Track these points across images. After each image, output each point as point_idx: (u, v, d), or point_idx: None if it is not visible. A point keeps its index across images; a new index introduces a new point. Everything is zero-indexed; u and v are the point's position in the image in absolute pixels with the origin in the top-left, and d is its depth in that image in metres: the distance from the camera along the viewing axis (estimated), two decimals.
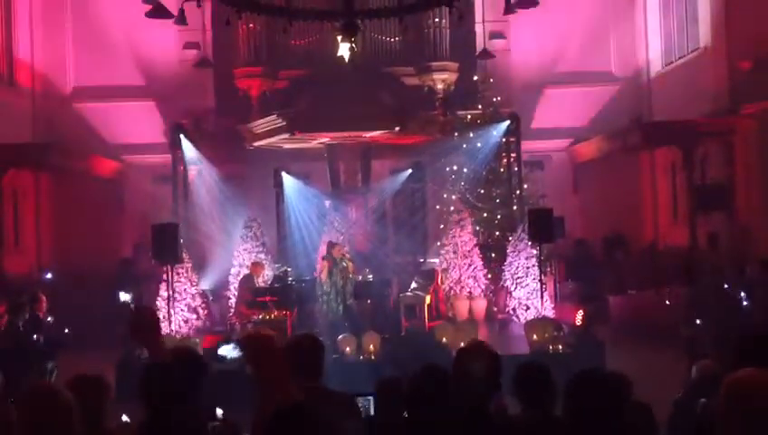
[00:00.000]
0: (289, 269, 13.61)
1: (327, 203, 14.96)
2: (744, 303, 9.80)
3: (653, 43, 18.42)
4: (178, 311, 12.38)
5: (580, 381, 3.09)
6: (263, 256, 13.96)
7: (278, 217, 14.78)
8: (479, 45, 17.10)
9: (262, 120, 15.58)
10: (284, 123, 14.90)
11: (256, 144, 15.79)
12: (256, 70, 16.23)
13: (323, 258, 12.40)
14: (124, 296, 12.53)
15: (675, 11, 17.64)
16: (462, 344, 9.66)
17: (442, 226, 14.95)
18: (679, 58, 17.29)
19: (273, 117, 15.20)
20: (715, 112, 14.88)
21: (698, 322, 9.34)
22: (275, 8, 9.14)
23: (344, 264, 12.22)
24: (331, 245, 12.67)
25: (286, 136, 15.14)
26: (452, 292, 13.85)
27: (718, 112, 14.82)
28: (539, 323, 11.11)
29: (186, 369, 3.47)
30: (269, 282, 13.00)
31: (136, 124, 17.33)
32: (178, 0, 10.12)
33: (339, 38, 8.73)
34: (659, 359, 10.51)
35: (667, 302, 12.35)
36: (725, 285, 9.94)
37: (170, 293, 11.88)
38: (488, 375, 3.32)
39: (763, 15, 14.04)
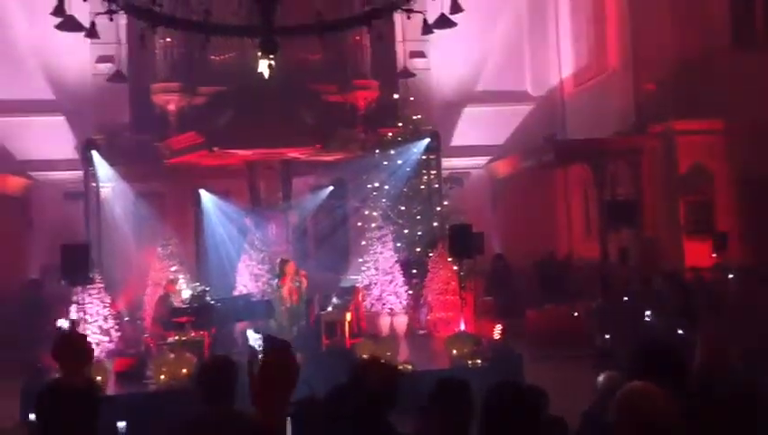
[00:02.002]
0: (207, 289, 13.33)
1: (247, 221, 14.75)
2: (649, 315, 10.21)
3: (566, 65, 19.14)
4: (90, 333, 11.89)
5: (496, 394, 3.13)
6: (180, 275, 13.62)
7: (196, 236, 14.47)
8: (400, 64, 17.34)
9: (180, 137, 15.26)
10: (203, 140, 14.64)
11: (174, 161, 15.44)
12: (174, 85, 15.91)
13: (279, 277, 12.19)
14: (62, 323, 11.83)
15: (585, 34, 18.40)
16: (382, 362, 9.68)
17: (363, 242, 14.98)
18: (590, 79, 18.02)
19: (192, 133, 14.92)
20: (623, 132, 15.56)
21: (608, 334, 9.68)
22: (192, 23, 8.99)
23: (298, 282, 12.10)
24: (283, 262, 12.46)
25: (205, 153, 14.88)
26: (373, 308, 13.86)
27: (626, 132, 15.50)
28: (458, 337, 11.25)
29: (79, 404, 3.35)
30: (186, 302, 12.69)
31: (45, 140, 16.66)
32: (91, 12, 9.83)
33: (258, 55, 8.66)
34: (574, 371, 10.80)
35: (580, 315, 12.75)
36: (633, 298, 10.34)
37: (81, 315, 11.42)
38: (384, 390, 3.34)
39: (666, 40, 14.83)
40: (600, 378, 5.56)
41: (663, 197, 14.83)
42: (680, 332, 8.52)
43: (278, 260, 12.75)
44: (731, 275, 12.12)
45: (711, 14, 14.76)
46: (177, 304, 12.46)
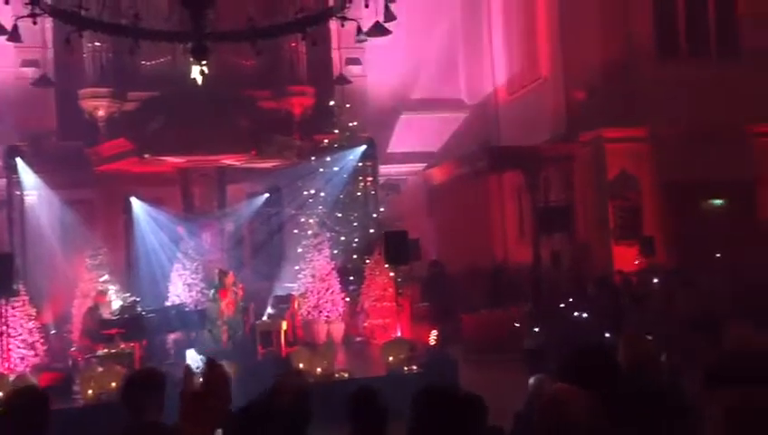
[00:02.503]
0: (138, 299, 13.00)
1: (180, 229, 14.46)
2: (582, 317, 10.47)
3: (499, 73, 19.51)
4: (14, 347, 11.45)
5: (422, 400, 3.14)
6: (110, 285, 13.25)
7: (127, 245, 14.10)
8: (336, 71, 17.34)
9: (109, 143, 14.85)
10: (134, 146, 14.29)
11: (103, 168, 15.01)
12: (103, 91, 15.48)
13: (217, 288, 11.95)
14: None
15: (518, 43, 18.80)
16: (318, 370, 9.61)
17: (299, 250, 14.88)
18: (522, 88, 18.41)
19: (122, 140, 14.54)
20: (554, 139, 15.94)
21: (541, 337, 9.87)
22: (120, 28, 8.77)
23: (235, 293, 11.91)
24: (222, 273, 12.23)
25: (136, 159, 14.52)
26: (309, 316, 13.78)
27: (557, 139, 15.88)
28: (394, 344, 11.28)
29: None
30: (116, 313, 12.35)
31: None
32: (14, 15, 9.47)
33: (191, 60, 8.51)
34: (509, 374, 10.96)
35: (514, 318, 12.97)
36: (565, 301, 10.58)
37: (4, 328, 10.97)
38: (299, 404, 3.35)
39: (594, 49, 15.27)
40: (532, 380, 5.68)
41: (593, 202, 15.24)
42: (607, 334, 8.77)
43: (216, 271, 12.54)
44: (656, 280, 12.54)
45: (635, 23, 15.24)
46: (106, 315, 12.12)
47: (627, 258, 14.12)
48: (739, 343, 5.87)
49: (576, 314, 10.52)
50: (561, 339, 9.04)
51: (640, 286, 11.90)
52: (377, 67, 18.21)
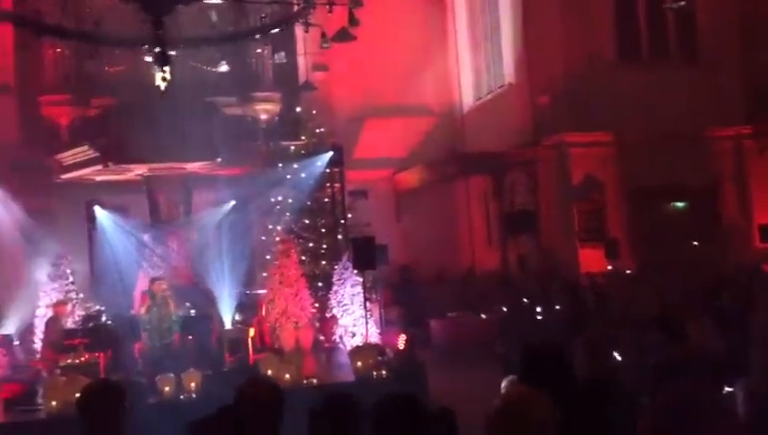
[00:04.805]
0: (102, 308, 12.79)
1: (145, 237, 14.28)
2: (542, 320, 10.56)
3: (465, 80, 19.67)
4: None
5: (386, 411, 3.13)
6: (73, 295, 13.02)
7: (91, 254, 13.88)
8: (302, 77, 17.30)
9: (72, 151, 14.67)
10: (97, 154, 14.11)
11: (65, 176, 14.80)
12: (65, 97, 15.24)
13: (143, 293, 11.81)
14: None
15: (483, 49, 18.98)
16: (287, 376, 9.55)
17: (268, 257, 14.79)
18: (488, 93, 18.59)
19: (85, 147, 14.36)
20: (520, 144, 16.10)
21: (511, 339, 9.95)
22: (79, 33, 8.67)
23: (163, 299, 11.71)
24: (152, 280, 12.10)
25: (99, 167, 14.33)
26: (278, 323, 13.69)
27: (523, 144, 16.04)
28: (363, 349, 11.25)
29: None
30: (79, 322, 12.14)
31: None
32: None
33: (153, 67, 8.45)
34: (477, 377, 11.02)
35: (483, 323, 13.06)
36: (531, 304, 10.68)
37: None
38: (269, 410, 3.34)
39: (557, 54, 15.48)
40: (504, 382, 5.73)
41: (558, 206, 15.42)
42: (572, 335, 8.86)
43: (147, 278, 12.37)
44: (619, 281, 12.72)
45: (597, 29, 15.48)
46: (69, 325, 11.91)
47: (592, 260, 14.31)
48: (698, 341, 5.99)
49: (542, 316, 10.63)
50: (526, 342, 9.11)
51: (606, 288, 12.07)
52: (343, 73, 18.22)
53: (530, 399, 2.56)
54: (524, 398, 2.57)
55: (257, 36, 9.13)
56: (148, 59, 8.62)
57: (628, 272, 13.24)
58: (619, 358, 5.83)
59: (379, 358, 10.82)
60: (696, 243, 14.60)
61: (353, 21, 9.72)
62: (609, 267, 14.08)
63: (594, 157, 15.09)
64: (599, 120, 14.69)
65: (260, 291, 14.42)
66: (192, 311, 12.79)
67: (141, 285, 12.47)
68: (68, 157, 14.72)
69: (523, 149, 15.92)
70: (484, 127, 18.10)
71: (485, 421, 5.48)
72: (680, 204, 15.86)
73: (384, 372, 10.46)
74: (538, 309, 11.54)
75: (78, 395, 3.68)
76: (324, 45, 10.65)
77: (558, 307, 10.68)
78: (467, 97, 19.63)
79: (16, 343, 12.73)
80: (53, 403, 9.28)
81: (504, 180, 15.97)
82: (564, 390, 3.08)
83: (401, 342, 11.75)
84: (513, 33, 17.04)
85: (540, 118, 15.90)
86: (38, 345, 12.24)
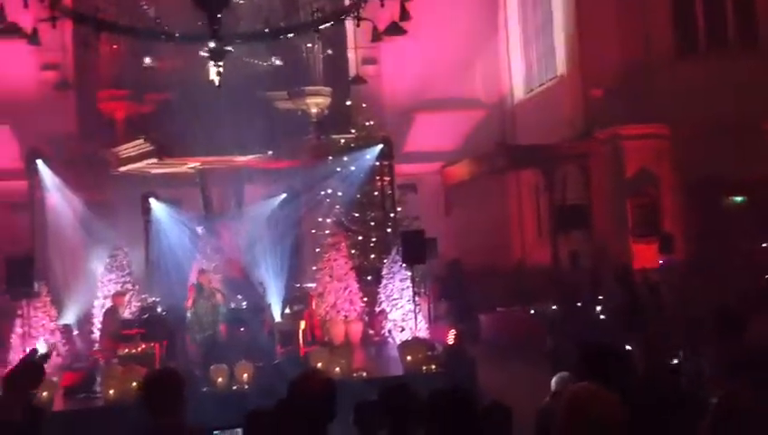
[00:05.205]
0: (158, 299, 13.09)
1: (199, 229, 14.55)
2: (600, 316, 10.40)
3: (516, 72, 19.44)
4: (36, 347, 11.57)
5: (437, 401, 3.14)
6: (129, 286, 13.36)
7: (146, 246, 14.21)
8: (352, 71, 17.34)
9: (128, 145, 14.99)
10: (152, 148, 14.41)
11: (122, 169, 15.16)
12: (121, 93, 15.59)
13: (192, 286, 12.05)
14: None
15: (535, 41, 18.73)
16: (337, 370, 9.63)
17: (317, 250, 14.92)
18: (539, 85, 18.33)
19: (140, 141, 14.67)
20: (572, 137, 15.84)
21: (561, 335, 9.82)
22: (138, 30, 8.85)
23: (210, 292, 11.93)
24: (200, 272, 12.34)
25: (154, 161, 14.64)
26: (327, 316, 13.81)
27: (575, 137, 15.79)
28: (412, 344, 11.27)
29: None
30: (136, 313, 12.46)
31: None
32: (34, 19, 9.59)
33: (208, 62, 8.58)
34: (526, 373, 10.94)
35: (533, 318, 12.92)
36: (584, 300, 10.52)
37: (26, 329, 11.11)
38: (323, 403, 3.36)
39: (612, 47, 15.17)
40: (554, 379, 5.67)
41: (611, 200, 15.13)
42: (626, 332, 8.70)
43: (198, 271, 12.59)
44: (675, 277, 12.42)
45: (654, 22, 15.13)
46: (126, 315, 12.23)
47: (646, 256, 14.00)
48: (762, 338, 5.80)
49: (595, 313, 10.45)
50: (580, 339, 8.98)
51: (661, 284, 11.80)
52: (393, 66, 18.20)
53: (601, 397, 2.53)
54: (595, 396, 2.53)
55: (310, 31, 9.16)
56: (204, 54, 8.75)
57: (684, 268, 12.91)
58: (677, 356, 5.69)
59: (429, 353, 10.83)
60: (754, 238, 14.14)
61: (405, 15, 9.69)
62: (664, 263, 13.75)
63: (649, 150, 14.76)
64: (653, 113, 14.35)
65: (310, 284, 14.56)
66: (244, 303, 12.99)
67: (194, 277, 12.72)
68: (124, 150, 15.07)
69: (576, 142, 15.66)
70: (534, 120, 17.87)
71: (537, 417, 5.43)
72: (738, 198, 15.38)
73: (434, 367, 10.47)
74: (591, 306, 11.37)
75: (140, 382, 3.79)
76: (375, 39, 10.63)
77: (612, 304, 10.49)
78: (518, 89, 19.40)
79: (76, 332, 13.14)
80: (111, 391, 9.56)
81: (555, 174, 15.72)
82: (627, 389, 3.03)
83: (451, 336, 11.72)
84: (566, 24, 16.76)
85: (593, 110, 15.61)
86: (96, 335, 12.60)
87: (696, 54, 15.41)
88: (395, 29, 10.43)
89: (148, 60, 11.36)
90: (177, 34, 9.17)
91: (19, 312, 11.44)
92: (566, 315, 9.89)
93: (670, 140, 14.72)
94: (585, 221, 15.14)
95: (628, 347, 3.84)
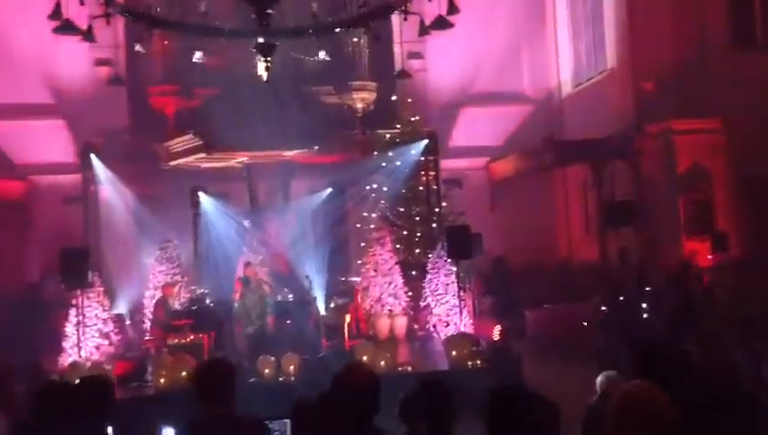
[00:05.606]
0: (206, 291, 13.32)
1: (246, 223, 14.75)
2: (647, 314, 10.19)
3: (564, 65, 19.13)
4: (89, 337, 11.91)
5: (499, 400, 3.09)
6: (179, 277, 13.62)
7: (195, 238, 14.46)
8: (398, 65, 17.33)
9: (178, 139, 15.27)
10: (201, 142, 14.65)
11: (172, 163, 15.45)
12: (171, 88, 15.90)
13: (239, 279, 12.22)
14: None
15: (583, 34, 18.41)
16: (382, 363, 9.65)
17: (362, 244, 14.97)
18: (588, 79, 18.02)
19: (190, 136, 14.93)
20: (621, 132, 15.53)
21: (609, 334, 9.67)
22: (189, 26, 8.99)
23: (258, 284, 12.08)
24: (246, 265, 12.51)
25: (203, 155, 14.88)
26: (372, 310, 13.85)
27: (625, 132, 15.48)
28: (457, 339, 11.23)
29: None
30: (185, 304, 12.69)
31: (44, 143, 16.68)
32: (89, 16, 9.83)
33: (256, 57, 8.67)
34: (573, 371, 10.79)
35: (579, 315, 12.73)
36: (633, 298, 10.33)
37: (80, 318, 11.42)
38: (367, 396, 3.36)
39: (664, 39, 14.82)
40: (600, 378, 5.58)
41: (662, 196, 14.80)
42: (679, 331, 8.52)
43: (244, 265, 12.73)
44: (729, 276, 12.11)
45: (709, 13, 14.75)
46: (175, 306, 12.47)
47: (699, 254, 13.67)
48: None
49: (645, 311, 10.25)
50: (631, 337, 8.84)
51: (714, 283, 11.51)
52: (439, 61, 18.12)
53: (654, 397, 2.48)
54: (648, 396, 2.49)
55: (358, 26, 9.17)
56: (252, 49, 8.85)
57: (738, 266, 12.56)
58: (732, 355, 5.55)
59: (474, 348, 10.78)
60: None
61: (453, 8, 9.63)
62: (717, 261, 13.41)
63: (702, 145, 14.39)
64: (707, 106, 13.98)
65: (354, 278, 14.62)
66: (290, 296, 13.12)
67: (241, 270, 12.90)
68: (174, 145, 15.35)
69: (626, 138, 15.35)
70: (583, 114, 17.58)
71: (584, 417, 5.36)
72: None
73: (479, 363, 10.42)
74: (640, 304, 11.16)
75: (192, 372, 3.86)
76: (422, 33, 10.58)
77: (664, 302, 10.27)
78: (566, 83, 19.10)
79: (128, 322, 13.46)
80: (162, 380, 9.76)
81: (604, 169, 15.45)
82: (682, 388, 2.97)
83: (496, 332, 11.65)
84: (616, 14, 16.42)
85: (644, 104, 15.28)
86: (147, 325, 12.88)
87: (752, 45, 14.98)
88: (442, 23, 10.37)
89: (198, 55, 11.50)
90: (226, 31, 9.28)
91: (73, 302, 11.75)
92: (616, 313, 9.71)
93: (724, 135, 14.33)
94: (634, 218, 14.85)
95: (684, 346, 3.75)
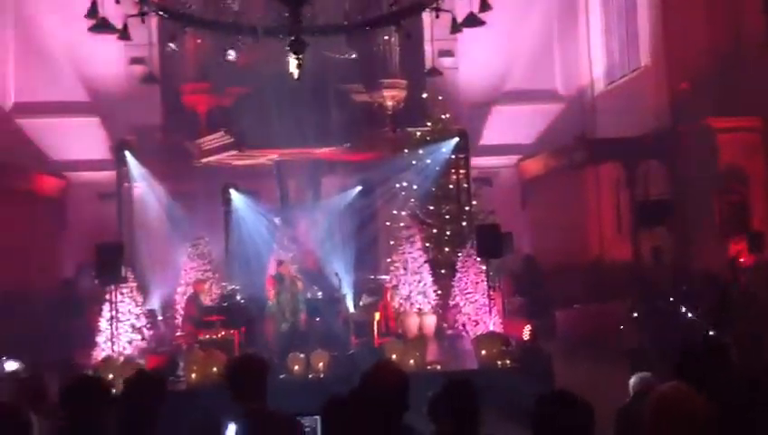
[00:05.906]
0: (237, 287, 13.43)
1: (276, 220, 14.84)
2: (688, 315, 10.03)
3: (596, 63, 18.91)
4: (122, 331, 12.09)
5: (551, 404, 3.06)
6: (210, 274, 13.75)
7: (226, 235, 14.59)
8: (428, 63, 17.30)
9: (210, 137, 15.43)
10: (232, 139, 14.78)
11: (204, 161, 15.61)
12: (203, 86, 16.05)
13: (272, 276, 12.29)
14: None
15: (616, 31, 18.17)
16: (411, 362, 9.64)
17: (392, 242, 14.96)
18: (621, 77, 17.78)
19: (221, 133, 15.06)
20: (655, 130, 15.30)
21: (643, 335, 9.54)
22: (222, 25, 9.07)
23: (292, 281, 12.13)
24: (278, 263, 12.59)
25: (234, 152, 15.00)
26: (402, 308, 13.84)
27: (659, 130, 15.25)
28: (487, 338, 11.17)
29: None
30: (216, 301, 12.81)
31: (80, 140, 16.98)
32: (123, 15, 9.96)
33: (288, 54, 8.71)
34: (604, 371, 10.67)
35: (611, 315, 12.59)
36: (668, 299, 10.18)
37: (114, 313, 11.60)
38: (396, 395, 3.35)
39: (700, 36, 14.56)
40: (633, 379, 5.50)
41: (697, 196, 14.55)
42: (715, 332, 8.38)
43: (276, 261, 12.78)
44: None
45: (745, 10, 14.45)
46: (207, 302, 12.59)
47: (734, 254, 13.39)
48: None
49: (680, 311, 10.08)
50: (666, 338, 8.71)
51: (750, 285, 11.29)
52: (470, 59, 18.04)
53: (690, 398, 2.44)
54: (684, 397, 2.45)
55: (389, 25, 9.16)
56: (286, 47, 8.88)
57: None
58: None
59: (504, 347, 10.70)
60: None
61: (486, 5, 9.57)
62: (753, 261, 13.13)
63: (739, 143, 14.09)
64: (744, 105, 13.71)
65: (384, 276, 14.62)
66: (319, 293, 13.17)
67: (272, 268, 12.97)
68: (206, 142, 15.50)
69: (660, 136, 15.12)
70: (616, 112, 17.35)
71: (616, 418, 5.28)
72: None
73: (509, 362, 10.35)
74: (674, 303, 10.99)
75: (224, 367, 3.89)
76: (454, 31, 10.54)
77: (700, 302, 10.10)
78: (598, 81, 18.87)
79: (160, 317, 13.63)
80: (193, 375, 9.86)
81: (637, 168, 15.24)
82: (720, 389, 2.92)
83: (526, 332, 11.57)
84: (650, 11, 16.17)
85: (678, 102, 15.03)
86: (179, 320, 13.03)
87: None
88: (473, 20, 10.32)
89: (231, 53, 11.59)
90: (258, 29, 9.33)
91: (107, 297, 11.92)
92: (649, 314, 9.58)
93: (762, 134, 14.04)
94: (668, 217, 14.62)
95: (723, 348, 3.68)
